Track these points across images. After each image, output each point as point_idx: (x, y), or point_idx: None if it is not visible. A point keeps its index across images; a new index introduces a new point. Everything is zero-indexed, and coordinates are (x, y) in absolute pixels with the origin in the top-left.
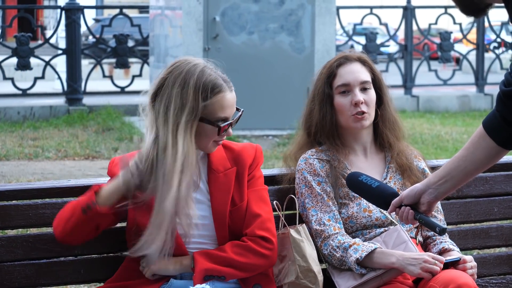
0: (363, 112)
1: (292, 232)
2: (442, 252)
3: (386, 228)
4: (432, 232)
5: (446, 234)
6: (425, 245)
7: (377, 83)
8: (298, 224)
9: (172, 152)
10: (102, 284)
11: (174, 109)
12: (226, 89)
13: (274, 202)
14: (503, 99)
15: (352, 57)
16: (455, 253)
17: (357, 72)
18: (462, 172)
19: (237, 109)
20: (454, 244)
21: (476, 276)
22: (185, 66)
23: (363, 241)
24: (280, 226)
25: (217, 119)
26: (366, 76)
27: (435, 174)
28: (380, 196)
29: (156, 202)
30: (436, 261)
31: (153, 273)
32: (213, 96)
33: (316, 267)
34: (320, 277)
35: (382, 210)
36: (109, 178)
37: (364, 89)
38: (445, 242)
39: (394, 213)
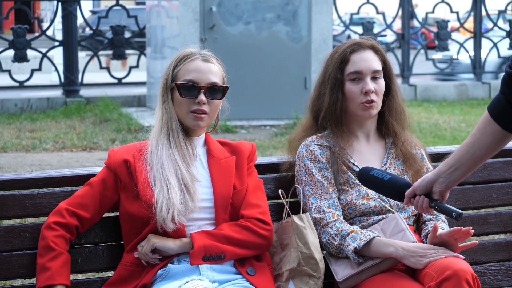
0: (372, 101)
1: (295, 218)
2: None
3: (384, 216)
4: (429, 217)
5: (446, 221)
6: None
7: (387, 72)
8: (302, 213)
9: (156, 118)
10: (99, 273)
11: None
12: (197, 58)
13: (280, 190)
14: (507, 80)
15: (365, 45)
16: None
17: (370, 61)
18: (471, 159)
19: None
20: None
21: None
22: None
23: (361, 229)
24: (284, 215)
25: (182, 82)
26: (377, 65)
27: (444, 163)
28: (393, 188)
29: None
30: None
31: (153, 246)
32: (182, 63)
33: (318, 255)
34: (322, 265)
35: (391, 200)
36: (107, 168)
37: (374, 78)
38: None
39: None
